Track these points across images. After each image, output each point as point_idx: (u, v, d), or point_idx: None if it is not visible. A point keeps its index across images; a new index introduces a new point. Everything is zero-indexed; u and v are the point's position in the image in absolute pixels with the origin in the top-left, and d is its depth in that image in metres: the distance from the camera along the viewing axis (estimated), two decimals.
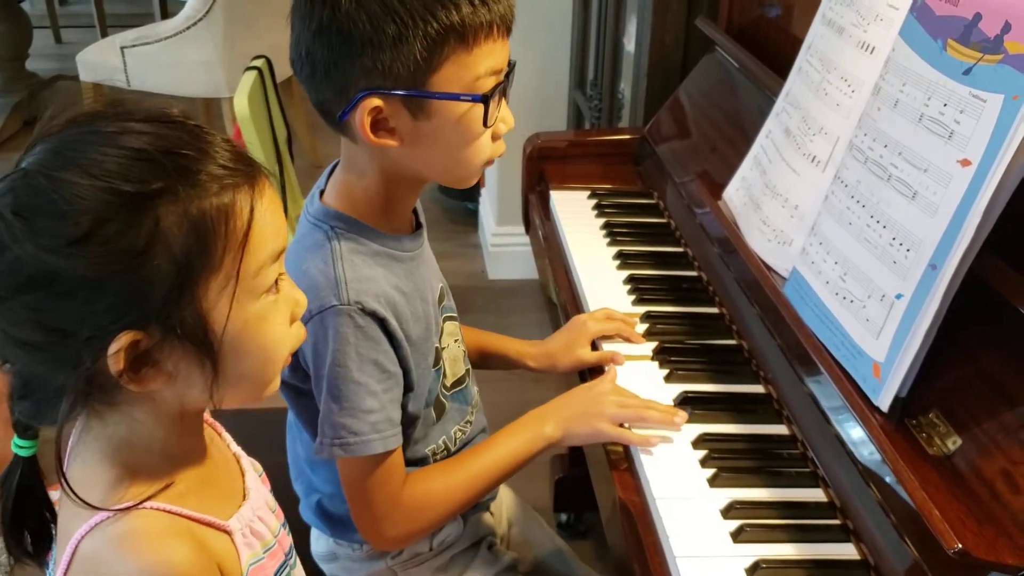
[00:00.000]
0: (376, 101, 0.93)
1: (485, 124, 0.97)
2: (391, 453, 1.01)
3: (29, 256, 0.66)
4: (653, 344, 1.25)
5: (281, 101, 2.55)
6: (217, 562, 0.75)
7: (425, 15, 0.90)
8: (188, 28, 3.20)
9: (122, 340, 0.68)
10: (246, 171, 0.73)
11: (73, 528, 0.73)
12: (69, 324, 0.67)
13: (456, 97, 0.94)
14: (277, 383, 0.79)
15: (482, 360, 1.30)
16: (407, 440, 1.06)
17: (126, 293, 0.67)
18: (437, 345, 1.09)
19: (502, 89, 0.98)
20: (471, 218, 3.27)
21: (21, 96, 4.14)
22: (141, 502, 0.73)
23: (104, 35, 4.42)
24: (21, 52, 4.25)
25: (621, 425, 1.08)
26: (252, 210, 0.72)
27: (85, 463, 0.75)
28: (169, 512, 0.74)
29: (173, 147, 0.69)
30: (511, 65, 0.99)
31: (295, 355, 1.01)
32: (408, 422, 1.06)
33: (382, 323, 0.99)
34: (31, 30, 4.31)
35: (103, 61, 3.37)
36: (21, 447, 0.77)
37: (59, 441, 0.74)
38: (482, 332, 1.31)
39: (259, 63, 2.37)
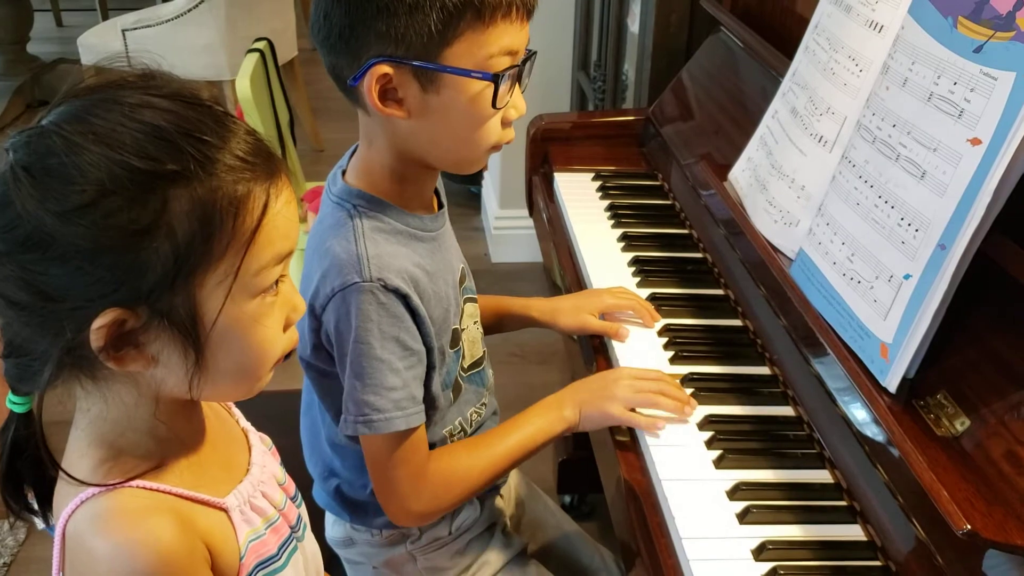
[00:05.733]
0: (386, 68, 0.93)
1: (494, 105, 0.96)
2: (414, 430, 1.01)
3: (30, 215, 0.65)
4: (658, 325, 1.24)
5: (283, 84, 2.54)
6: (206, 541, 0.74)
7: None
8: (190, 10, 3.19)
9: (107, 316, 0.67)
10: (265, 166, 0.71)
11: (62, 508, 0.73)
12: (57, 290, 0.67)
13: (467, 73, 0.94)
14: (263, 384, 0.78)
15: (497, 322, 1.30)
16: (427, 421, 1.06)
17: (119, 269, 0.66)
18: (457, 327, 1.09)
19: (516, 74, 0.98)
20: (474, 201, 3.26)
21: (23, 80, 4.13)
22: (125, 481, 0.72)
23: (105, 18, 4.40)
24: (22, 35, 4.25)
25: (632, 410, 1.08)
26: (265, 209, 0.70)
27: (73, 439, 0.75)
28: (152, 490, 0.73)
29: (193, 130, 0.68)
30: (530, 54, 0.99)
31: (318, 336, 1.01)
32: (429, 403, 1.05)
33: (405, 299, 0.98)
34: (32, 13, 4.31)
35: (104, 44, 3.36)
36: (15, 403, 0.77)
37: (39, 408, 0.74)
38: (494, 296, 1.31)
39: (261, 45, 2.36)
